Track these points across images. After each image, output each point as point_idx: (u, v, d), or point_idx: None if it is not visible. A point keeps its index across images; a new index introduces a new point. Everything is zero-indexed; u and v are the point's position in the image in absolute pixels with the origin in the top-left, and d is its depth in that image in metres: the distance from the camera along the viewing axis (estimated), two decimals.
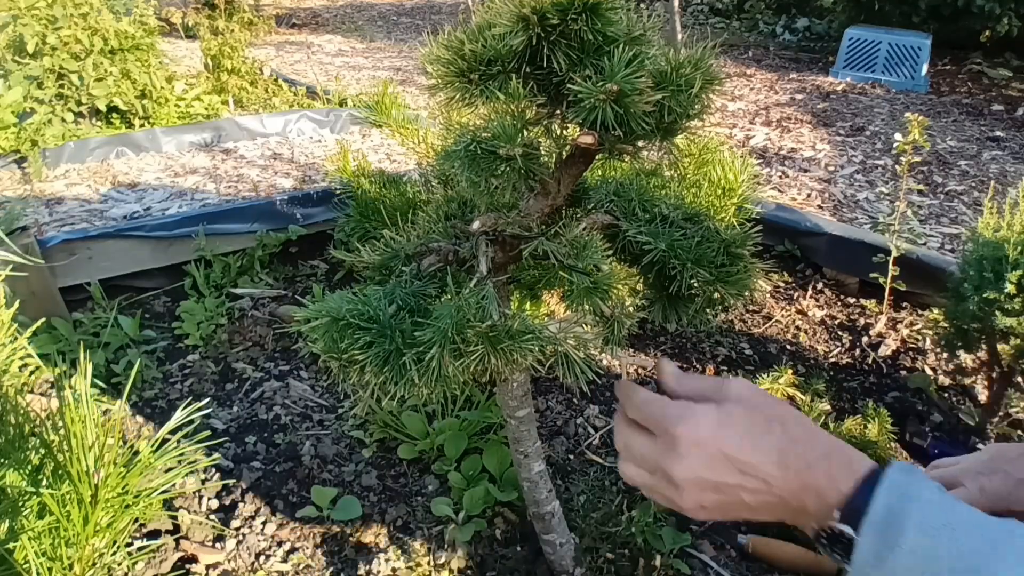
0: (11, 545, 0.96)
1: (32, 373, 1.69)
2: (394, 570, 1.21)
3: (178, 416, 1.10)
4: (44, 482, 1.02)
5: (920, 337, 1.86)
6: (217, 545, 1.28)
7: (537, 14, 0.63)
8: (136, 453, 1.06)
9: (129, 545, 1.20)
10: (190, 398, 1.67)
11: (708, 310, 0.87)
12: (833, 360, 1.79)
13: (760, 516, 0.70)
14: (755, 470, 0.66)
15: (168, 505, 1.34)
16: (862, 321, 1.95)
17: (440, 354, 0.64)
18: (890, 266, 1.84)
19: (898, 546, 0.57)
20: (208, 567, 1.23)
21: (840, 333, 1.91)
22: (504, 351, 0.63)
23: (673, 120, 0.65)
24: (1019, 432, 1.51)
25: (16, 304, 1.64)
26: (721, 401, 0.68)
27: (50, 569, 0.95)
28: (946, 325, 1.50)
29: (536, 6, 0.62)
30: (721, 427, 0.67)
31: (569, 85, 0.63)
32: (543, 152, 0.68)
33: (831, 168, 3.06)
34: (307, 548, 1.27)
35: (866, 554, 0.59)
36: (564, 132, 0.71)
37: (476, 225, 0.72)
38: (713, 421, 0.67)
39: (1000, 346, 1.42)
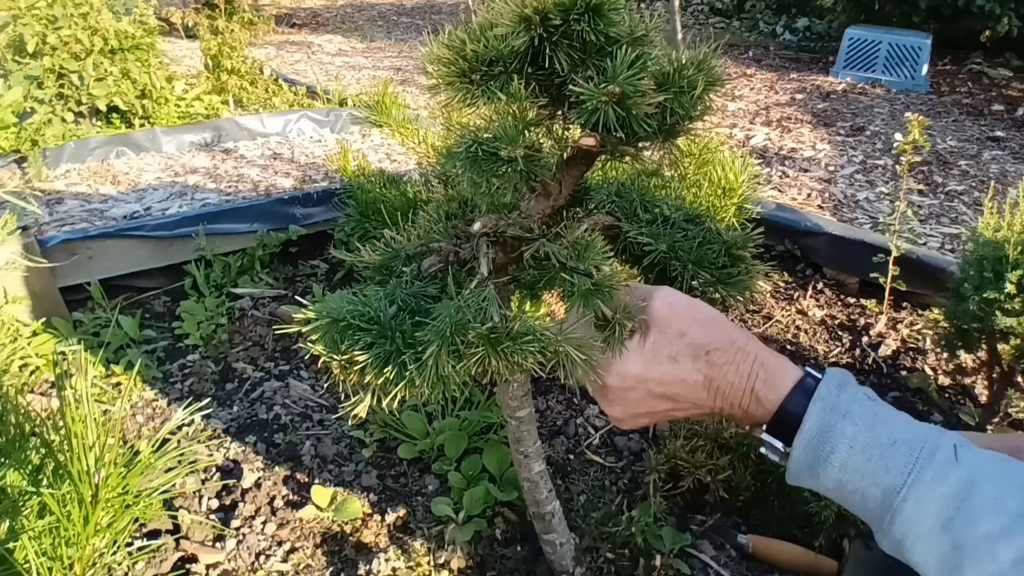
0: (11, 545, 0.96)
1: (32, 373, 1.69)
2: (394, 570, 1.21)
3: (178, 416, 1.10)
4: (44, 482, 1.02)
5: (920, 337, 1.86)
6: (217, 545, 1.28)
7: (539, 14, 0.62)
8: (136, 453, 1.06)
9: (129, 545, 1.20)
10: (190, 398, 1.67)
11: None
12: (833, 360, 1.79)
13: (692, 417, 0.80)
14: (684, 398, 0.71)
15: (168, 505, 1.34)
16: (862, 321, 1.95)
17: (438, 355, 0.64)
18: (890, 266, 1.84)
19: (829, 462, 0.63)
20: (208, 567, 1.23)
21: (840, 333, 1.91)
22: (505, 353, 0.63)
23: (675, 122, 0.65)
24: (1019, 432, 1.51)
25: (16, 304, 1.64)
26: (646, 331, 0.71)
27: (50, 569, 0.95)
28: (946, 325, 1.50)
29: (538, 6, 0.62)
30: (646, 365, 0.71)
31: (571, 86, 0.63)
32: (545, 153, 0.68)
33: (831, 168, 3.06)
34: (307, 548, 1.27)
35: (800, 465, 0.65)
36: (566, 133, 0.71)
37: (477, 226, 0.72)
38: (637, 364, 0.71)
39: (1000, 346, 1.42)
